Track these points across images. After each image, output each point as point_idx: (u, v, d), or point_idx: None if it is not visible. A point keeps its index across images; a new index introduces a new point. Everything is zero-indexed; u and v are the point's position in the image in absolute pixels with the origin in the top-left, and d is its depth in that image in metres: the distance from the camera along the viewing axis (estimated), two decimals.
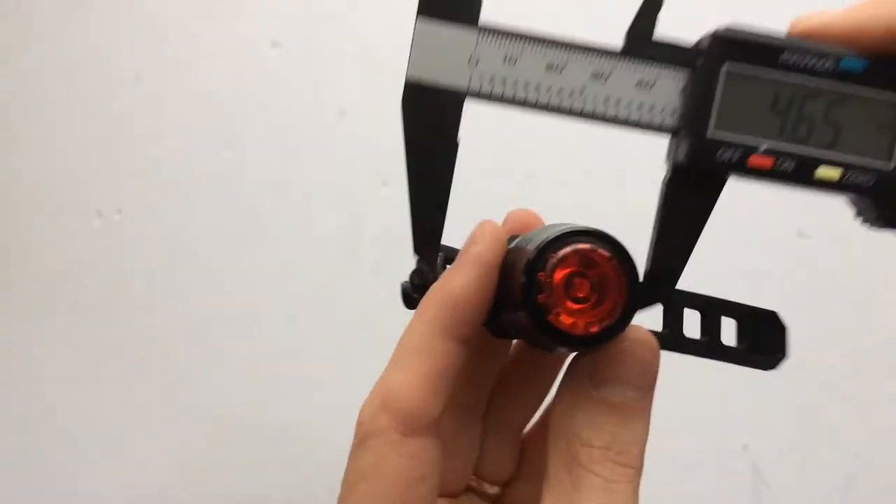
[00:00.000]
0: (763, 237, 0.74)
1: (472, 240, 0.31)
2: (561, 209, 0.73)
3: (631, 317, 0.29)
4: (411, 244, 0.31)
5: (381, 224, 0.79)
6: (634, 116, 0.31)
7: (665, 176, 0.31)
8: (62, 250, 0.84)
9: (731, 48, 0.30)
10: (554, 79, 0.31)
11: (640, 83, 0.31)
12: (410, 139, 0.31)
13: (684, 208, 0.31)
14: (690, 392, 0.73)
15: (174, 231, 0.83)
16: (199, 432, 0.81)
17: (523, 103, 0.31)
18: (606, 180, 0.77)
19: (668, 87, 0.31)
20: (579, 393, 0.30)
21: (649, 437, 0.32)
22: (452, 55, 0.30)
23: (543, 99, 0.31)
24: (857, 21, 0.30)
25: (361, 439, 0.30)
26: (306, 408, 0.79)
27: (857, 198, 0.31)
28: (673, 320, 0.34)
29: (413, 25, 0.30)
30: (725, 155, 0.30)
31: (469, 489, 0.37)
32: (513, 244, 0.32)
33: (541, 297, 0.28)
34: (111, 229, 0.84)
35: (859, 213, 0.32)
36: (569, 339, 0.29)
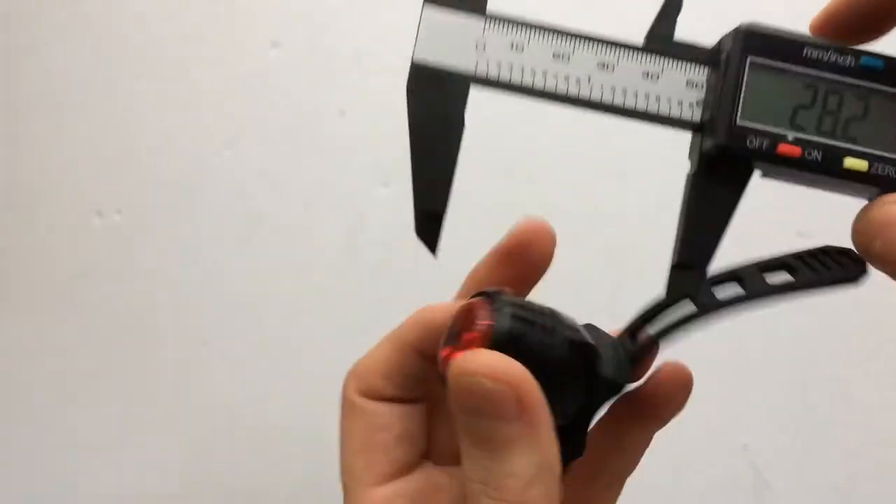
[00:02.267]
0: (763, 237, 0.73)
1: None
2: (562, 210, 0.74)
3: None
4: (413, 227, 0.31)
5: (381, 224, 0.79)
6: (652, 108, 0.31)
7: (690, 171, 0.32)
8: (62, 250, 0.84)
9: (756, 41, 0.30)
10: (561, 66, 0.31)
11: (648, 75, 0.31)
12: (415, 121, 0.30)
13: (712, 201, 0.31)
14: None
15: (174, 231, 0.83)
16: (200, 432, 0.81)
17: (531, 91, 0.31)
18: (606, 182, 0.77)
19: (678, 80, 0.31)
20: (458, 425, 0.28)
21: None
22: (459, 40, 0.30)
23: (551, 85, 0.31)
24: None
25: (342, 400, 0.34)
26: (306, 407, 0.78)
27: (877, 192, 0.32)
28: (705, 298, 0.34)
29: (420, 11, 0.30)
30: (755, 142, 0.30)
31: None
32: None
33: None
34: (111, 229, 0.84)
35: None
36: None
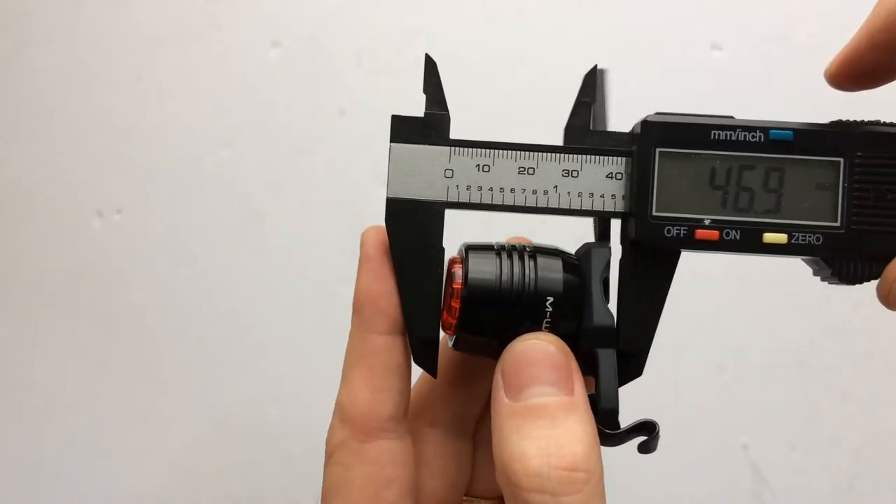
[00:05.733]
0: None
1: (361, 246, 0.33)
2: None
3: (469, 316, 0.31)
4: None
5: (381, 224, 0.79)
6: (595, 206, 0.32)
7: (621, 257, 0.32)
8: (62, 250, 0.84)
9: (662, 133, 0.31)
10: (527, 181, 0.32)
11: (568, 172, 0.32)
12: (398, 254, 0.32)
13: (644, 286, 0.31)
14: (690, 392, 0.73)
15: (174, 231, 0.83)
16: (199, 432, 0.81)
17: (500, 208, 0.32)
18: None
19: (598, 174, 0.32)
20: (502, 412, 0.28)
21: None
22: (428, 171, 0.32)
23: (520, 201, 0.32)
24: (869, 29, 0.31)
25: (328, 457, 0.31)
26: (306, 408, 0.79)
27: (811, 258, 0.32)
28: None
29: (388, 150, 0.33)
30: (672, 232, 0.31)
31: None
32: None
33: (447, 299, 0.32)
34: (111, 229, 0.84)
35: (815, 273, 0.33)
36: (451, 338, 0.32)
